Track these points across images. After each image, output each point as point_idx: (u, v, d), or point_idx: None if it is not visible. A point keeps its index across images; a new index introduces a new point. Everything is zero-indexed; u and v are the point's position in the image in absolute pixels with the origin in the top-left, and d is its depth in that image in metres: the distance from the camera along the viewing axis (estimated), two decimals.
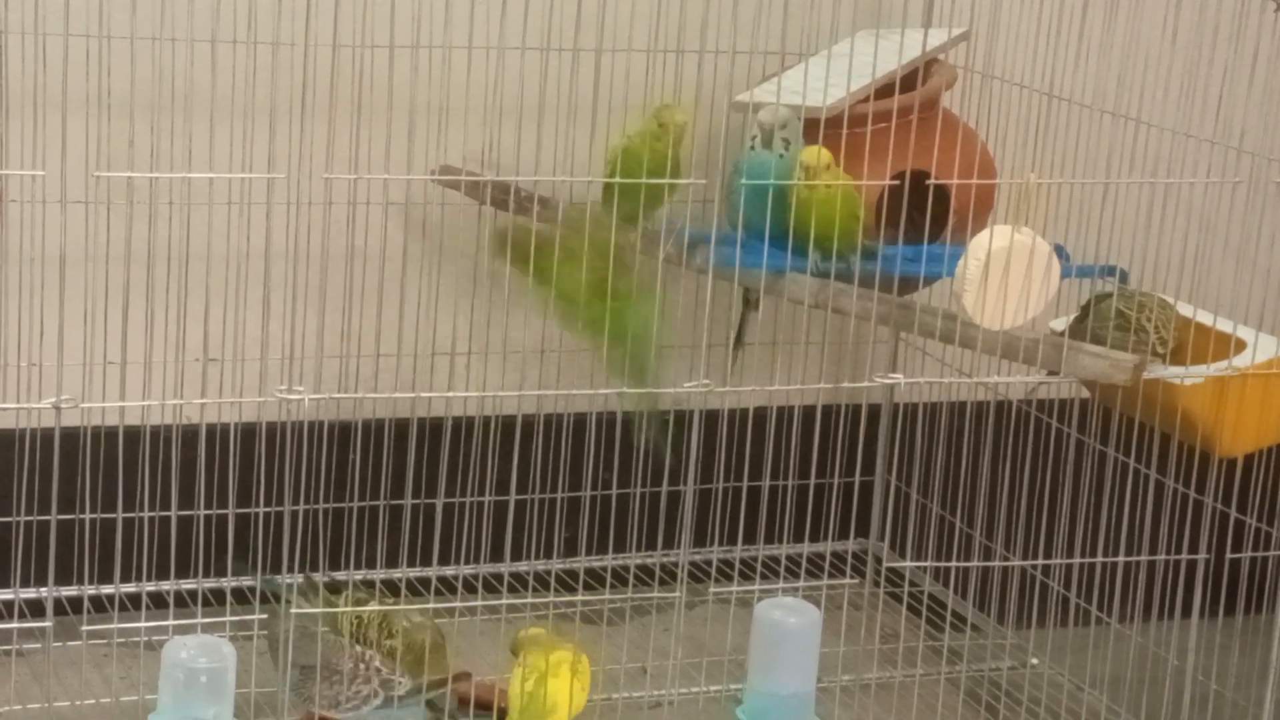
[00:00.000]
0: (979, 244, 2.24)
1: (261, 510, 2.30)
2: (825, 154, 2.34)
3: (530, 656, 2.10)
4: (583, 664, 2.12)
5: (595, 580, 2.69)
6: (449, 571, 2.58)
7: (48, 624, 2.10)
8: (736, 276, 2.39)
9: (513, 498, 2.36)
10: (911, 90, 2.54)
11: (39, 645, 2.35)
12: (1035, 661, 2.67)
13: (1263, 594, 2.44)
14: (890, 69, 2.51)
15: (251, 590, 2.50)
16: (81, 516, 2.39)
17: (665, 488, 2.66)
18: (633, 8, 2.46)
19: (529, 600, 2.50)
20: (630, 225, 2.44)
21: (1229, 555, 2.45)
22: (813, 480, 2.44)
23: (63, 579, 2.43)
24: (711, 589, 2.47)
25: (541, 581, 2.69)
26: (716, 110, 2.54)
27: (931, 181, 2.42)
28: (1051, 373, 2.32)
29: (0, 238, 2.11)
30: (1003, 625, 2.68)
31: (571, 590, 2.69)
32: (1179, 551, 2.39)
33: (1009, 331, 2.26)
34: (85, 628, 2.26)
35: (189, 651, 1.93)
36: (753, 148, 2.38)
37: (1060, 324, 2.44)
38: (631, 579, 2.70)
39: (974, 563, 2.62)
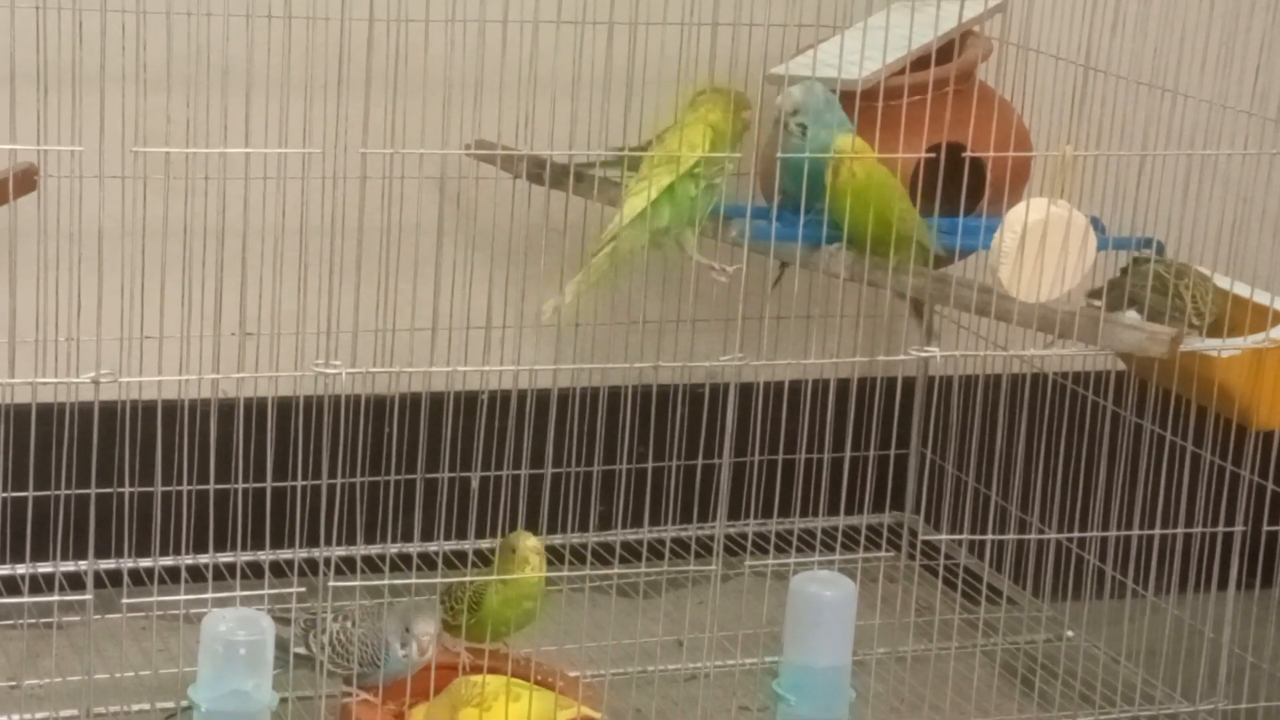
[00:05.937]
0: (1015, 216, 2.24)
1: (299, 484, 2.31)
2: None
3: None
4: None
5: (631, 553, 2.70)
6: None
7: (88, 597, 2.12)
8: (771, 250, 2.39)
9: (548, 471, 2.36)
10: (947, 62, 2.53)
11: (79, 618, 2.36)
12: (1070, 634, 2.67)
13: None
14: (926, 41, 2.50)
15: (288, 564, 2.52)
16: (120, 490, 2.41)
17: (700, 461, 2.66)
18: None
19: (565, 574, 2.50)
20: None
21: (1266, 528, 2.45)
22: (847, 453, 2.44)
23: (102, 552, 2.45)
24: (747, 562, 2.47)
25: (577, 555, 2.69)
26: (752, 84, 2.54)
27: (967, 154, 2.42)
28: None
29: (39, 213, 2.12)
30: (1038, 598, 2.68)
31: (607, 564, 2.70)
32: (1215, 524, 2.38)
33: (1045, 304, 2.25)
34: (125, 600, 2.28)
35: (228, 624, 1.94)
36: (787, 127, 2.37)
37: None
38: (667, 552, 2.71)
39: (1009, 535, 2.62)
